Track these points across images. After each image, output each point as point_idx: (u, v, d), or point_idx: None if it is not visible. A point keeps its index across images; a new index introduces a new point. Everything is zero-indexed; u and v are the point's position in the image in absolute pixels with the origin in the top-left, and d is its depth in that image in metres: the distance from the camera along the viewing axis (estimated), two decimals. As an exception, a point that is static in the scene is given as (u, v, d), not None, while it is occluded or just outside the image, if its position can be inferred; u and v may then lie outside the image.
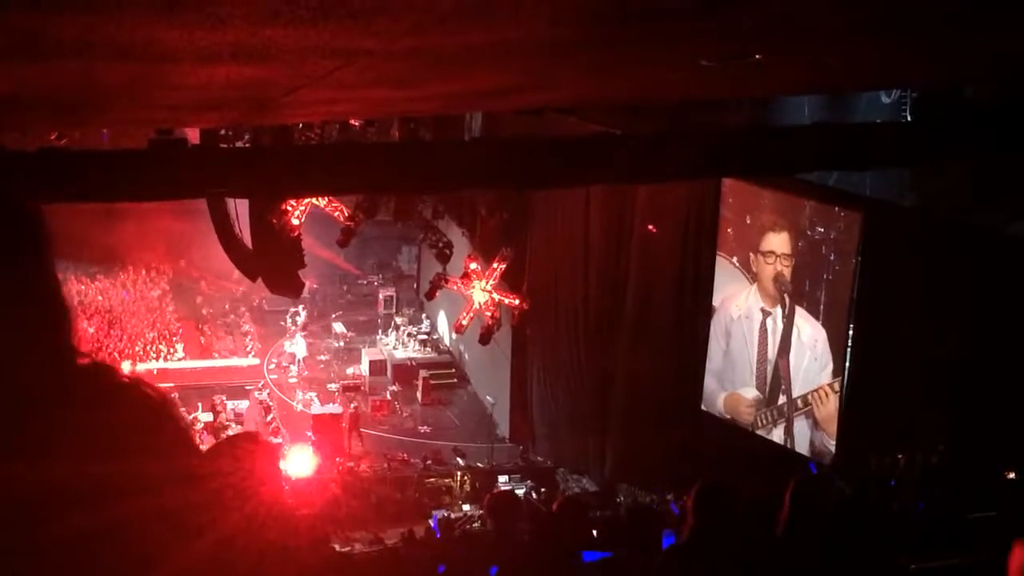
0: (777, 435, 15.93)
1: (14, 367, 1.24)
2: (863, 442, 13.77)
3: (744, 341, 16.49)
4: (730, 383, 16.89)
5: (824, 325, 14.87)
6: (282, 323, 29.87)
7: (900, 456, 12.65)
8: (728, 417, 16.90)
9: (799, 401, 15.34)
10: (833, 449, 14.84)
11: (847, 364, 14.36)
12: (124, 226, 29.77)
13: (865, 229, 13.79)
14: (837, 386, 14.63)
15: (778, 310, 15.76)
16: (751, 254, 15.97)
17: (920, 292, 12.78)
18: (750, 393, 16.49)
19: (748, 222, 16.03)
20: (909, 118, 12.37)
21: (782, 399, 15.82)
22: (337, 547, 13.98)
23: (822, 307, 14.86)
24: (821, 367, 14.98)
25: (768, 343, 16.05)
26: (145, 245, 31.55)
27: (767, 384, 16.15)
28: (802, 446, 15.45)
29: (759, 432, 16.24)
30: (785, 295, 15.55)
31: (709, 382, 17.31)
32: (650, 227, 18.18)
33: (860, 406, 14.21)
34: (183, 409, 24.04)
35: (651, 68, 4.88)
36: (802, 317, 15.31)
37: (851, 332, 14.21)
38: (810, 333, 15.17)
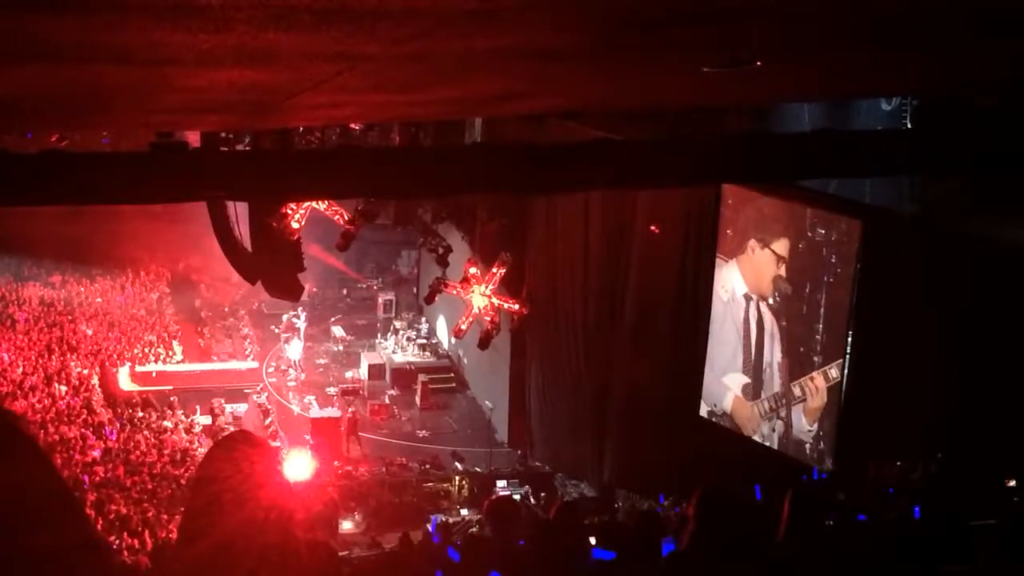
0: (776, 435, 15.89)
1: None
2: (862, 450, 13.76)
3: (732, 325, 16.50)
4: (720, 368, 16.89)
5: (801, 316, 14.99)
6: (273, 328, 29.95)
7: (899, 464, 12.63)
8: (728, 414, 16.88)
9: (796, 388, 15.32)
10: (809, 440, 14.90)
11: (845, 371, 14.33)
12: (124, 229, 29.76)
13: (865, 236, 13.78)
14: (831, 374, 14.60)
15: (760, 296, 15.85)
16: (752, 240, 15.92)
17: (919, 300, 12.77)
18: (737, 379, 16.48)
19: (748, 222, 16.02)
20: (909, 125, 12.39)
21: (778, 387, 15.78)
22: (335, 551, 13.94)
23: (823, 310, 14.83)
24: (807, 353, 15.11)
25: (751, 328, 16.09)
26: (144, 248, 31.55)
27: (751, 369, 16.17)
28: (803, 437, 15.44)
29: (762, 427, 16.20)
30: (777, 292, 15.59)
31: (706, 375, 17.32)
32: (652, 228, 18.15)
33: (859, 414, 14.19)
34: (180, 412, 24.03)
35: (653, 74, 4.88)
36: (779, 306, 15.46)
37: (850, 339, 14.19)
38: (784, 323, 15.37)
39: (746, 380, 16.36)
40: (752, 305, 15.99)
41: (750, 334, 16.17)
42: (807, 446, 15.28)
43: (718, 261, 16.57)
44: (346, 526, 18.88)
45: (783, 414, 15.69)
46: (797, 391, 15.30)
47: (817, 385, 14.84)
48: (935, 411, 12.66)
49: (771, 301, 15.71)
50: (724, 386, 16.88)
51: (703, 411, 17.37)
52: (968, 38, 3.88)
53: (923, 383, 12.75)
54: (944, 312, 12.56)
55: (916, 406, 12.72)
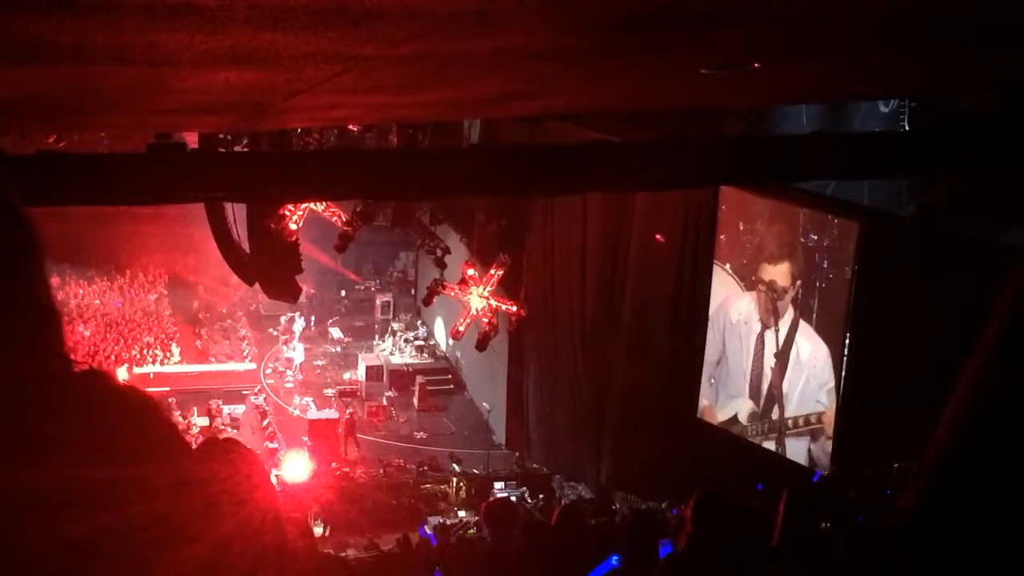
0: (768, 447, 15.87)
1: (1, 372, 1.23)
2: (860, 453, 13.73)
3: (740, 348, 16.43)
4: (724, 391, 16.84)
5: (828, 343, 14.80)
6: (272, 331, 29.96)
7: (896, 465, 12.61)
8: (716, 425, 16.88)
9: (800, 420, 15.23)
10: (821, 453, 14.83)
11: (843, 374, 14.31)
12: (121, 230, 29.77)
13: (863, 239, 13.76)
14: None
15: (780, 323, 15.68)
16: (750, 257, 15.91)
17: (918, 303, 12.76)
18: (744, 404, 16.42)
19: (741, 228, 16.01)
20: (907, 128, 12.38)
21: (776, 415, 15.75)
22: (332, 552, 13.95)
23: (815, 316, 14.81)
24: (820, 384, 14.90)
25: (764, 355, 15.97)
26: (142, 249, 31.55)
27: (761, 396, 16.08)
28: (796, 458, 15.37)
29: (749, 440, 16.19)
30: (778, 306, 15.51)
31: (703, 388, 17.23)
32: (657, 236, 18.14)
33: (857, 417, 14.17)
34: (177, 413, 24.02)
35: (650, 76, 4.88)
36: (804, 335, 15.13)
37: (847, 342, 14.18)
38: (810, 351, 15.02)
39: (752, 405, 16.28)
40: (769, 332, 15.88)
41: (761, 359, 16.04)
42: (808, 452, 15.25)
43: (723, 277, 16.51)
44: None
45: (780, 429, 15.66)
46: (802, 421, 15.22)
47: (831, 416, 14.74)
48: (935, 414, 12.63)
49: (782, 324, 15.61)
50: (728, 411, 16.84)
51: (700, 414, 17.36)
52: (968, 40, 3.89)
53: (922, 385, 12.71)
54: (944, 314, 12.54)
55: (915, 408, 12.69)
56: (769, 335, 15.79)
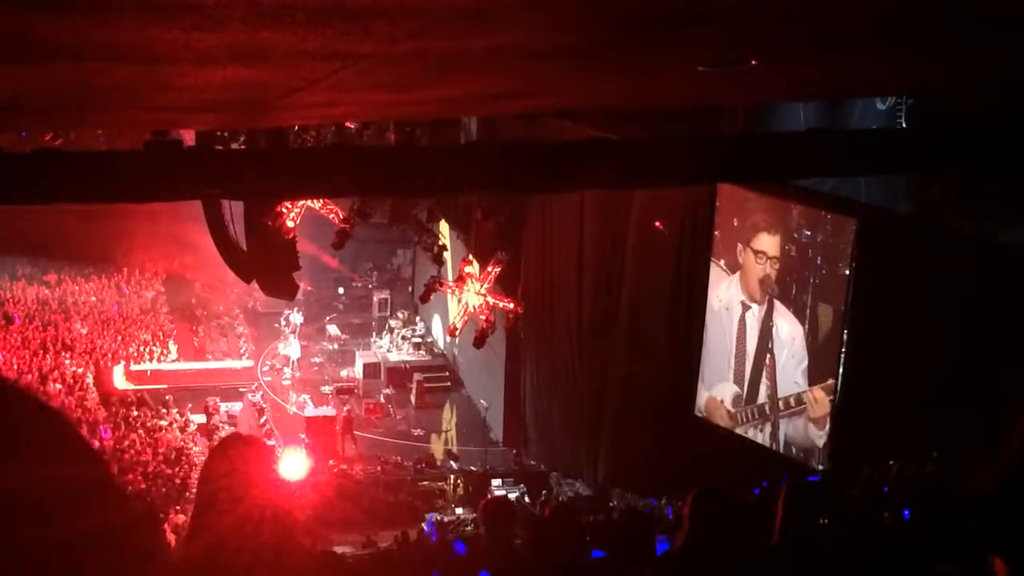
0: (763, 438, 15.91)
1: None
2: (856, 450, 13.75)
3: (723, 334, 16.46)
4: (708, 378, 16.88)
5: (803, 323, 14.91)
6: (276, 325, 29.93)
7: (892, 463, 12.63)
8: (704, 415, 16.93)
9: (792, 399, 15.29)
10: (820, 444, 14.85)
11: (840, 371, 14.32)
12: (119, 227, 29.74)
13: (860, 235, 13.77)
14: (828, 387, 14.58)
15: (757, 305, 15.77)
16: (739, 245, 15.94)
17: (916, 300, 12.76)
18: (728, 389, 16.46)
19: (736, 224, 16.03)
20: (904, 125, 12.39)
21: (763, 398, 15.78)
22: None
23: (808, 310, 14.85)
24: (797, 363, 14.98)
25: (747, 337, 16.04)
26: (140, 246, 31.53)
27: (746, 380, 16.13)
28: (790, 445, 15.42)
29: (738, 430, 16.23)
30: (768, 295, 15.56)
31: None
32: (657, 224, 18.09)
33: (853, 414, 14.18)
34: (175, 410, 24.00)
35: (647, 74, 4.88)
36: (780, 314, 15.29)
37: (845, 339, 14.19)
38: (788, 331, 15.18)
39: (736, 389, 16.33)
40: (750, 313, 15.94)
41: (743, 342, 16.10)
42: (800, 436, 15.27)
43: (717, 273, 16.52)
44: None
45: (772, 413, 15.69)
46: (793, 401, 15.26)
47: (817, 396, 14.80)
48: (932, 412, 12.63)
49: (762, 306, 15.67)
50: (712, 397, 16.87)
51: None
52: (968, 38, 3.89)
53: (918, 383, 12.73)
54: (941, 312, 12.54)
55: (913, 407, 12.70)
56: (750, 316, 15.87)
